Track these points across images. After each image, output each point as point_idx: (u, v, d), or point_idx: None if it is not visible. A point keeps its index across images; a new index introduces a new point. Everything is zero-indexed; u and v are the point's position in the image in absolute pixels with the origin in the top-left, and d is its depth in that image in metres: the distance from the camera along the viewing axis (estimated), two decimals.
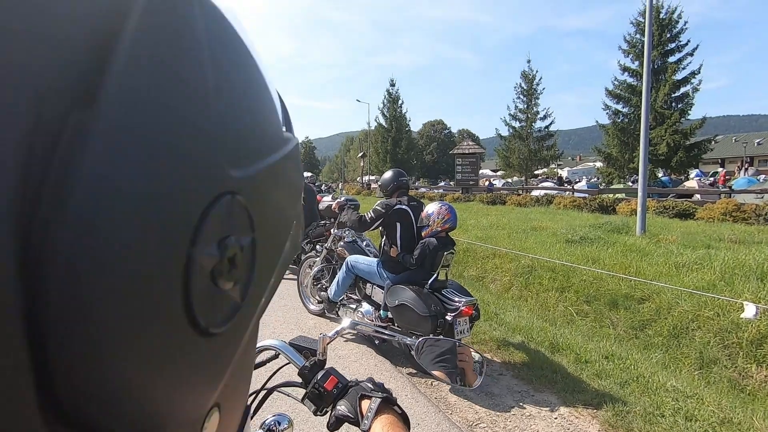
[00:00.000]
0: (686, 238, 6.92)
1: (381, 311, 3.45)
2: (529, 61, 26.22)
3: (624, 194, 14.74)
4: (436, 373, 0.90)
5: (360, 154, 36.92)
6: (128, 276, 0.15)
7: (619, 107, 21.86)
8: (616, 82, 21.90)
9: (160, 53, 0.17)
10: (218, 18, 0.21)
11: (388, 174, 3.77)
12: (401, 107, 39.50)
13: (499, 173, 42.33)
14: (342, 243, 4.12)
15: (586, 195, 14.70)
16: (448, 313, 2.97)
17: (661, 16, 19.73)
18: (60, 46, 0.14)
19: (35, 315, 0.14)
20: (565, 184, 27.05)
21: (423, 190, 25.81)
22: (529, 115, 26.18)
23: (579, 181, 27.38)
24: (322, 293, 4.32)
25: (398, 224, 3.48)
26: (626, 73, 21.55)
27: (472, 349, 0.98)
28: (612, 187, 19.46)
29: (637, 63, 20.77)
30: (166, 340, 0.18)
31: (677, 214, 10.47)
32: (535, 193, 17.84)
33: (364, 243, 4.11)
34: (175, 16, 0.17)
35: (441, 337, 1.54)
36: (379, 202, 3.68)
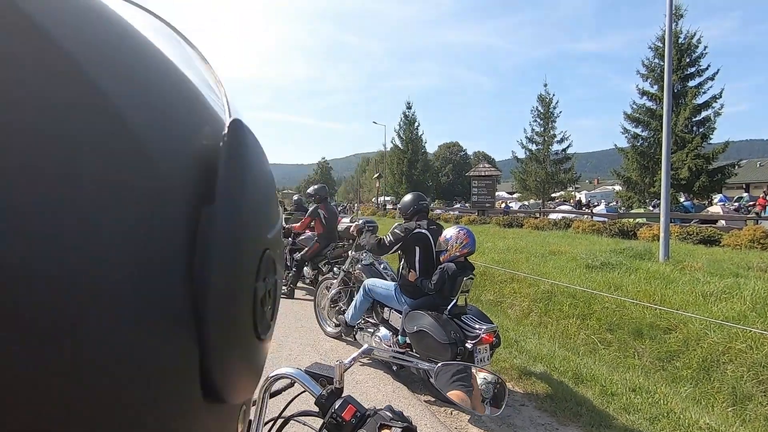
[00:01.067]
0: (712, 266, 6.69)
1: (399, 336, 3.39)
2: (545, 85, 26.37)
3: (645, 219, 14.43)
4: (452, 395, 0.87)
5: (376, 175, 37.16)
6: (239, 297, 0.28)
7: (638, 131, 21.61)
8: (634, 106, 21.74)
9: (246, 164, 0.28)
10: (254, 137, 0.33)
11: (408, 197, 3.75)
12: (417, 129, 39.89)
13: (515, 195, 42.04)
14: (359, 265, 4.10)
15: (606, 219, 14.45)
16: (468, 341, 2.90)
17: (680, 40, 19.66)
18: (196, 169, 0.25)
19: (200, 316, 0.24)
20: (584, 208, 26.68)
21: (438, 211, 25.72)
22: (546, 138, 26.12)
23: (597, 205, 26.95)
24: (339, 316, 4.29)
25: (417, 248, 3.45)
26: (645, 97, 21.39)
27: (495, 375, 0.95)
28: (632, 211, 19.08)
29: (656, 87, 20.63)
30: (250, 339, 0.30)
31: (701, 241, 10.18)
32: (553, 216, 17.61)
33: (382, 266, 4.09)
34: (245, 141, 0.29)
35: (460, 362, 1.49)
36: (397, 225, 3.65)
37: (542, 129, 26.35)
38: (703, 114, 19.64)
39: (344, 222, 6.61)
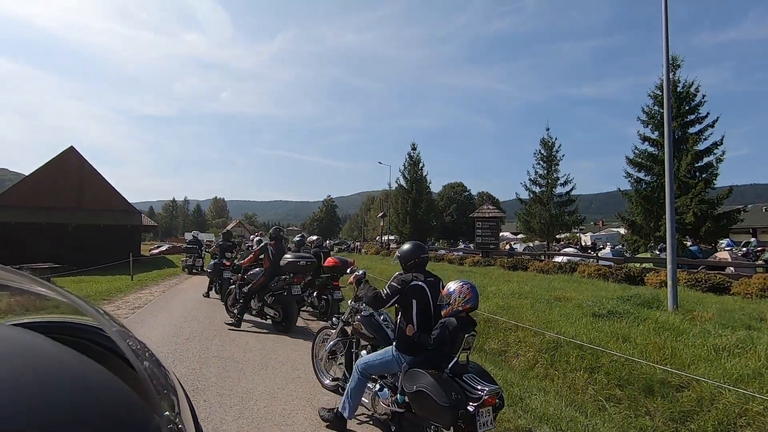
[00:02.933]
0: (723, 316, 6.51)
1: (398, 395, 3.25)
2: (548, 129, 26.85)
3: (652, 264, 14.21)
4: None
5: (380, 214, 37.31)
6: None
7: (641, 175, 21.73)
8: (636, 151, 21.95)
9: None
10: None
11: (408, 247, 3.61)
12: (422, 170, 40.36)
13: (519, 236, 41.83)
14: (359, 317, 3.99)
15: (611, 263, 14.24)
16: (470, 403, 2.76)
17: (678, 89, 20.12)
18: None
19: None
20: (589, 251, 26.41)
21: (442, 252, 25.52)
22: (550, 181, 26.27)
23: (603, 248, 26.70)
24: (339, 366, 4.14)
25: (414, 301, 3.33)
26: (647, 143, 21.62)
27: None
28: (638, 255, 18.82)
29: (657, 133, 20.91)
30: None
31: (710, 288, 9.97)
32: (558, 259, 17.40)
33: (381, 317, 3.97)
34: None
35: None
36: (395, 277, 3.53)
37: (545, 171, 26.56)
38: (705, 160, 19.77)
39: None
